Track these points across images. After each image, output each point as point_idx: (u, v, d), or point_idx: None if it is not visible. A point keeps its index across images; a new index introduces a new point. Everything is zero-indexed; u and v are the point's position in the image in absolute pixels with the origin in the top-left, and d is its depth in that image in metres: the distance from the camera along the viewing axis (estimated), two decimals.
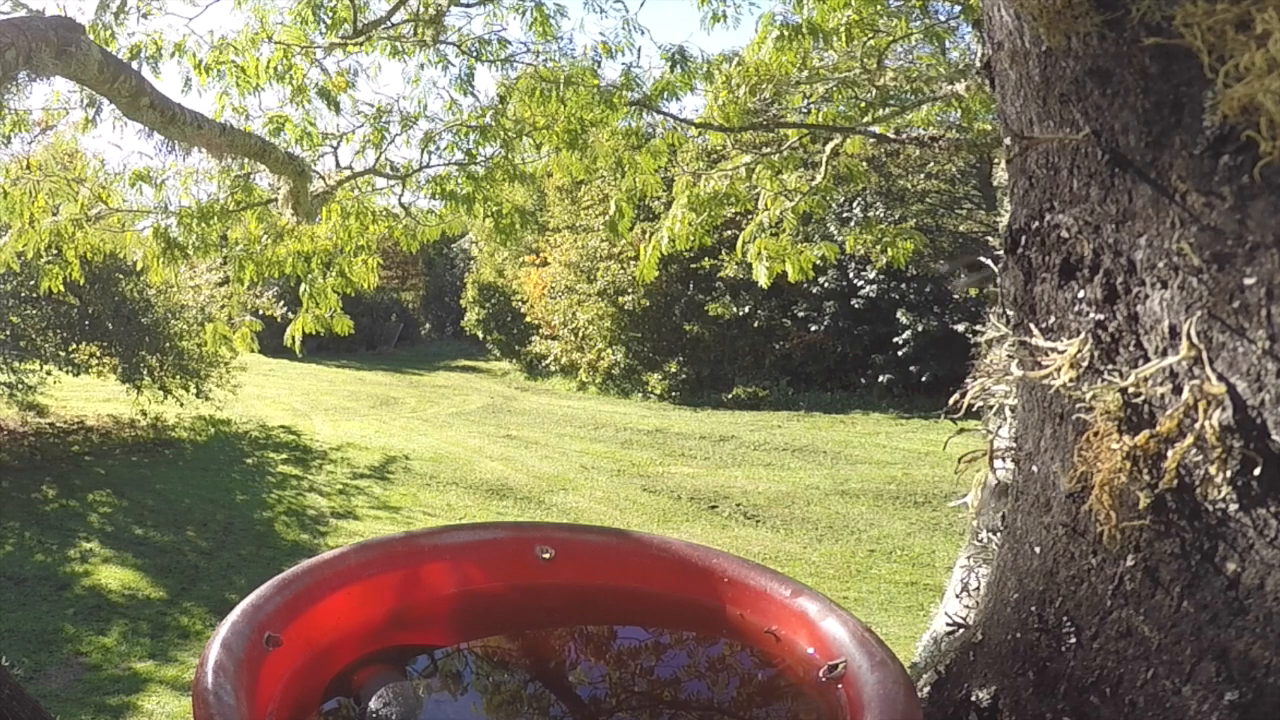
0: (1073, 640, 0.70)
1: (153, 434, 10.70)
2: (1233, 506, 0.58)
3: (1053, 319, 0.72)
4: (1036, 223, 0.73)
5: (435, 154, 5.03)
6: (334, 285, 5.21)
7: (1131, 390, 0.63)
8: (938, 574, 6.89)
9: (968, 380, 0.92)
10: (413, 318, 26.51)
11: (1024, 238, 0.75)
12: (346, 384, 16.36)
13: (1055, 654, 0.71)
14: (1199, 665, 0.61)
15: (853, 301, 15.30)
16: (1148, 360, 0.63)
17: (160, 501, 8.47)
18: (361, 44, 4.41)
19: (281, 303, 10.12)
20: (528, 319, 19.64)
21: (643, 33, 4.76)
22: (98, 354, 10.47)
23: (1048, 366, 0.70)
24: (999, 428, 0.92)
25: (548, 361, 18.85)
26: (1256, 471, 0.57)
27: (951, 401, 0.89)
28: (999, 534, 0.85)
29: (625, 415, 14.04)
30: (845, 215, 14.25)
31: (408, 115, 4.92)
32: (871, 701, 0.73)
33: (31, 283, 8.25)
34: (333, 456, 10.61)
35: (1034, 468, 0.76)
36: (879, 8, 4.32)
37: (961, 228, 15.38)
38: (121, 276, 9.90)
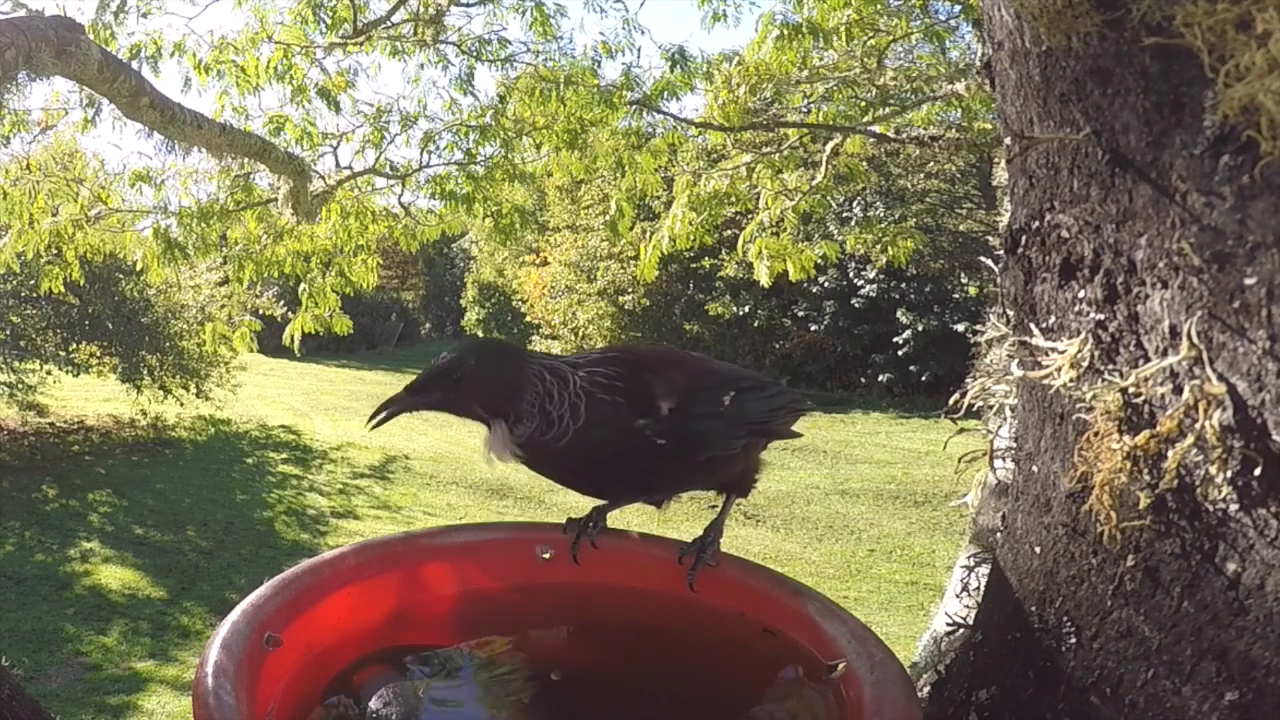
0: (1073, 640, 0.70)
1: (153, 434, 10.70)
2: (1233, 507, 0.58)
3: (1053, 319, 0.72)
4: (1037, 222, 0.73)
5: (435, 154, 5.04)
6: (333, 285, 5.21)
7: (1132, 390, 0.63)
8: (938, 574, 6.89)
9: (968, 380, 0.92)
10: (413, 317, 26.52)
11: (1024, 237, 0.75)
12: (346, 383, 16.36)
13: (1055, 654, 0.71)
14: (1199, 665, 0.61)
15: (853, 301, 15.30)
16: (1148, 360, 0.63)
17: (160, 501, 8.48)
18: (361, 44, 4.41)
19: (281, 302, 10.12)
20: (528, 319, 19.64)
21: (643, 32, 4.78)
22: (98, 354, 10.46)
23: (1048, 366, 0.70)
24: (999, 428, 0.92)
25: None
26: (1257, 472, 0.57)
27: (951, 401, 0.89)
28: (999, 534, 0.85)
29: None
30: (845, 215, 14.26)
31: (408, 115, 4.93)
32: (871, 701, 0.73)
33: (31, 283, 8.25)
34: (333, 456, 10.61)
35: (1034, 468, 0.76)
36: (879, 7, 4.32)
37: (961, 227, 15.38)
38: (121, 276, 9.90)
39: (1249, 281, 0.56)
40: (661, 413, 0.89)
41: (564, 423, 0.87)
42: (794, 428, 1.07)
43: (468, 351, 0.91)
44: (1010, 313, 0.78)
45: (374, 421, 0.91)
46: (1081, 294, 0.69)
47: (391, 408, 0.91)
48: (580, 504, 0.97)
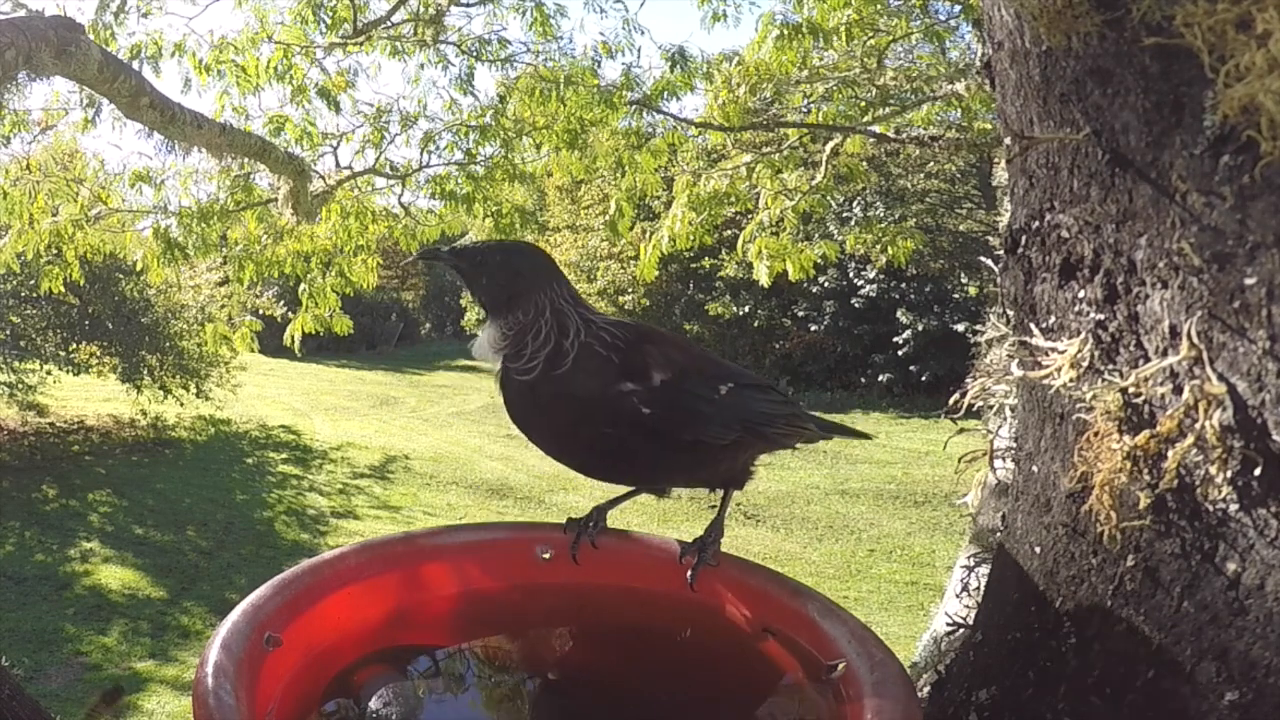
0: (1073, 640, 0.70)
1: (153, 434, 10.70)
2: (1233, 506, 0.58)
3: (1053, 319, 0.72)
4: (1037, 222, 0.73)
5: (435, 154, 5.04)
6: (333, 285, 5.21)
7: (1132, 390, 0.63)
8: (938, 574, 6.89)
9: (968, 380, 0.92)
10: (413, 317, 26.51)
11: (1024, 237, 0.75)
12: (346, 383, 16.36)
13: (1055, 654, 0.71)
14: (1199, 665, 0.61)
15: (853, 301, 15.30)
16: (1148, 360, 0.63)
17: (160, 501, 8.48)
18: (361, 44, 4.41)
19: (281, 302, 10.12)
20: None
21: (643, 32, 4.77)
22: (98, 354, 10.46)
23: (1048, 366, 0.70)
24: (999, 428, 0.92)
25: None
26: (1257, 471, 0.57)
27: (952, 401, 0.89)
28: (999, 534, 0.85)
29: None
30: (845, 215, 14.25)
31: (408, 115, 4.93)
32: (871, 701, 0.73)
33: (31, 283, 8.25)
34: (333, 456, 10.61)
35: (1034, 468, 0.76)
36: (879, 7, 4.32)
37: (961, 227, 15.38)
38: (121, 276, 9.90)
39: (1249, 281, 0.56)
40: (653, 383, 0.89)
41: (535, 361, 0.89)
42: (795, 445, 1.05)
43: (506, 250, 0.94)
44: (1010, 313, 0.78)
45: (417, 257, 1.03)
46: (1081, 294, 0.69)
47: (431, 253, 1.00)
48: (580, 504, 0.97)
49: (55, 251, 4.83)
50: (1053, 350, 0.70)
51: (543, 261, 0.94)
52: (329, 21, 4.42)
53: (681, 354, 0.94)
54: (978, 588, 1.03)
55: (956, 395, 0.89)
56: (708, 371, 0.94)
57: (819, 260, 4.98)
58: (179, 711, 4.82)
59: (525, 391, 0.91)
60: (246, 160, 4.43)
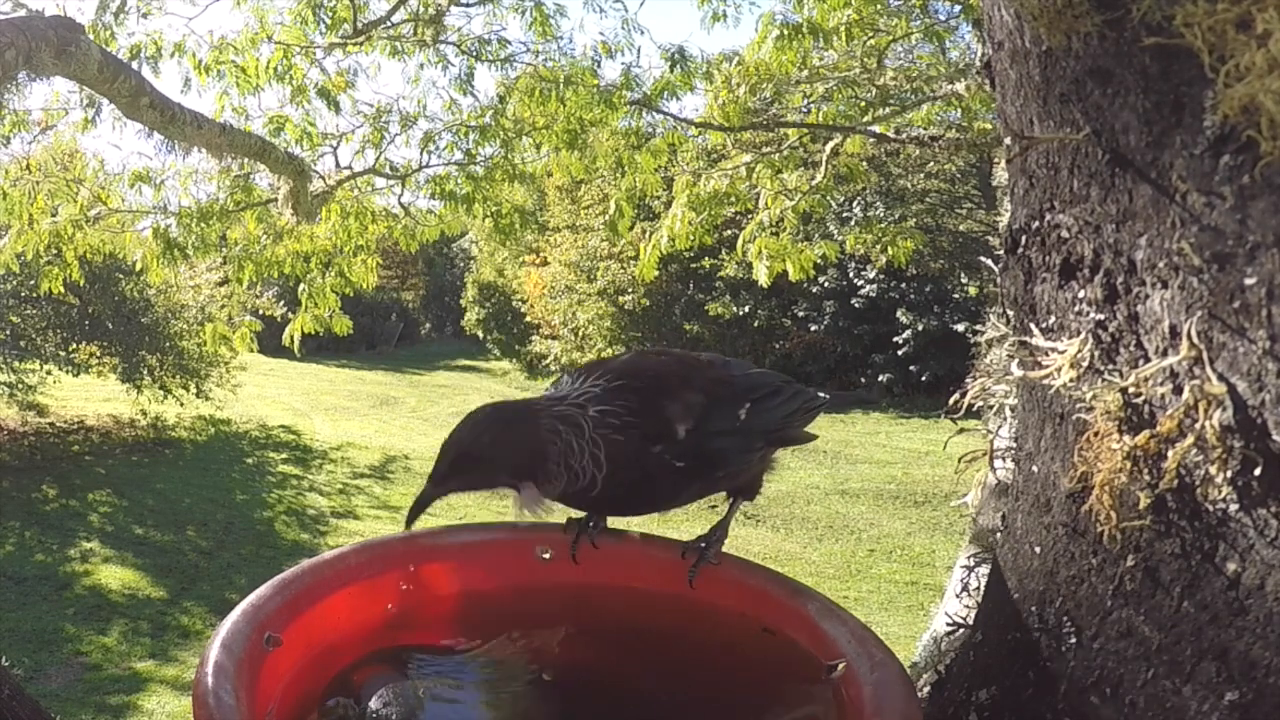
0: (1073, 640, 0.70)
1: (153, 434, 10.70)
2: (1233, 507, 0.58)
3: (1053, 319, 0.72)
4: (1037, 222, 0.73)
5: (435, 154, 5.04)
6: (333, 285, 5.22)
7: (1132, 390, 0.63)
8: (938, 574, 6.89)
9: (968, 380, 0.92)
10: (413, 317, 26.53)
11: (1024, 237, 0.75)
12: (346, 383, 16.36)
13: (1055, 654, 0.71)
14: (1199, 665, 0.61)
15: (853, 301, 15.30)
16: (1148, 360, 0.63)
17: (160, 501, 8.47)
18: (361, 44, 4.41)
19: (281, 302, 10.12)
20: (528, 319, 19.64)
21: (643, 32, 4.79)
22: (98, 354, 10.46)
23: (1048, 366, 0.70)
24: (999, 428, 0.92)
25: (548, 361, 18.86)
26: (1257, 471, 0.57)
27: (951, 401, 0.89)
28: (999, 534, 0.85)
29: None
30: (845, 215, 14.25)
31: (407, 115, 4.93)
32: (871, 701, 0.73)
33: (31, 283, 8.25)
34: (333, 456, 10.60)
35: (1034, 468, 0.76)
36: (879, 7, 4.32)
37: (961, 227, 15.38)
38: (121, 276, 9.89)
39: (1249, 281, 0.56)
40: (679, 436, 0.88)
41: (588, 474, 0.86)
42: (811, 427, 1.05)
43: (480, 429, 0.88)
44: (1010, 313, 0.78)
45: (410, 520, 0.91)
46: (1081, 294, 0.69)
47: (422, 504, 0.90)
48: None
49: (55, 251, 4.83)
50: (1053, 350, 0.70)
51: (510, 407, 0.89)
52: (329, 22, 4.42)
53: (692, 391, 0.90)
54: (978, 588, 1.03)
55: (956, 395, 0.89)
56: (724, 395, 0.92)
57: (819, 260, 4.99)
58: (179, 711, 4.82)
59: (598, 500, 0.90)
60: (246, 160, 4.44)
